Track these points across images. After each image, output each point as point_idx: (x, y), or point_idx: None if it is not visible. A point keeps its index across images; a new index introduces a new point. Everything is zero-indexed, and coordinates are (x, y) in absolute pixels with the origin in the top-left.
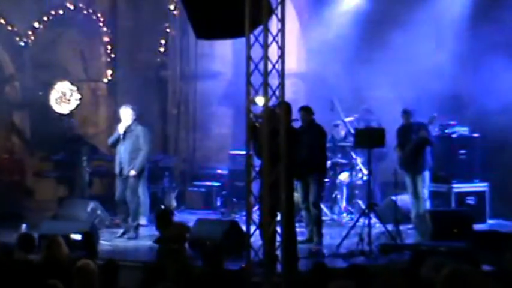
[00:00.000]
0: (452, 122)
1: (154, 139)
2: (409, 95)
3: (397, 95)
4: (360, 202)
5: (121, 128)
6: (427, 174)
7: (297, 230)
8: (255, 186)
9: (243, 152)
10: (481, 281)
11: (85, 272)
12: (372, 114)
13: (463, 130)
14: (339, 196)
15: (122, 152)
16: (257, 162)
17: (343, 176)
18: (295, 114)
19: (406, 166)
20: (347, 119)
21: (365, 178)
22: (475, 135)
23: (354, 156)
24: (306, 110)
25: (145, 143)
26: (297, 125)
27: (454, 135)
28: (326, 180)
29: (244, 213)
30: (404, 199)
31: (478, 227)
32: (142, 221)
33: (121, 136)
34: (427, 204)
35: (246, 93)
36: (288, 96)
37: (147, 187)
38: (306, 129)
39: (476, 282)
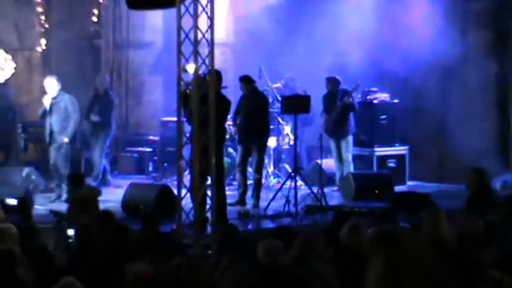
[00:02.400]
0: (374, 89)
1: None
2: (333, 64)
3: (321, 63)
4: (287, 166)
5: (46, 101)
6: (350, 138)
7: (227, 192)
8: (186, 151)
9: (174, 119)
10: (407, 236)
11: (4, 234)
12: (296, 82)
13: (384, 97)
14: (266, 160)
15: (53, 122)
16: (188, 128)
17: (271, 141)
18: (225, 81)
19: (330, 131)
20: (274, 86)
21: (292, 143)
22: (395, 101)
23: (281, 121)
24: (245, 80)
25: (74, 111)
26: (226, 91)
27: (375, 102)
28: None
29: (175, 178)
30: (329, 163)
31: (397, 188)
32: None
33: (47, 109)
34: (351, 168)
35: (178, 61)
36: (218, 65)
37: (104, 153)
38: (248, 97)
39: (404, 238)
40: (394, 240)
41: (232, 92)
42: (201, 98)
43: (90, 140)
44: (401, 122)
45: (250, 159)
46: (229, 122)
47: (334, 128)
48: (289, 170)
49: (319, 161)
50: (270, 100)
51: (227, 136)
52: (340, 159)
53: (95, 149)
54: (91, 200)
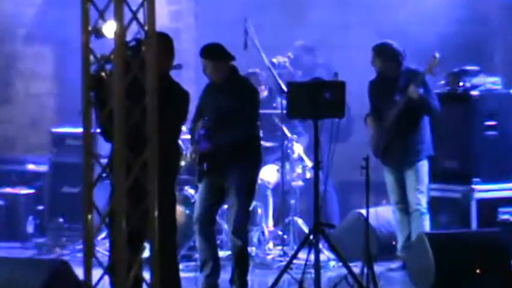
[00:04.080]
0: (471, 68)
1: None
2: (388, 25)
3: (366, 24)
4: (300, 221)
5: None
6: (424, 166)
7: (183, 274)
8: (99, 194)
9: (77, 130)
10: None
11: None
12: (318, 56)
13: (492, 82)
14: (260, 210)
15: None
16: (105, 147)
17: (269, 173)
18: (181, 56)
19: (384, 153)
20: (275, 61)
21: (308, 175)
22: None
23: (287, 133)
24: (213, 55)
25: None
26: (182, 77)
27: (475, 93)
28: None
29: (80, 246)
30: (382, 213)
31: None
32: None
33: None
34: (426, 223)
35: (82, 16)
36: (164, 24)
37: None
38: (219, 87)
39: None
40: None
41: (193, 79)
42: (131, 87)
43: None
44: None
45: (223, 207)
46: (185, 136)
47: (391, 147)
48: (305, 230)
49: (362, 211)
50: (265, 93)
51: (183, 163)
52: (404, 206)
53: None
54: None
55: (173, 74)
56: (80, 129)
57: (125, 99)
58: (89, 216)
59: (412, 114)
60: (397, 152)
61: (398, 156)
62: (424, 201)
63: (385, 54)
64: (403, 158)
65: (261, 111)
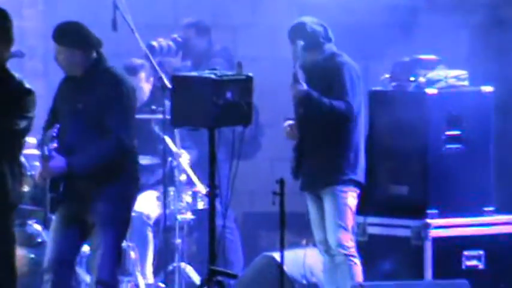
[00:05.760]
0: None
1: None
2: None
3: None
4: (189, 268)
5: None
6: (348, 191)
7: None
8: None
9: None
10: None
11: None
12: (212, 40)
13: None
14: (134, 253)
15: None
16: None
17: (147, 201)
18: (24, 39)
19: (298, 171)
20: (156, 44)
21: (201, 205)
22: (484, 89)
23: (172, 147)
24: (70, 38)
25: None
26: (23, 68)
27: (431, 92)
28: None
29: None
30: (306, 256)
31: None
32: None
33: None
34: (356, 271)
35: None
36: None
37: None
38: (78, 84)
39: None
40: None
41: (41, 71)
42: None
43: None
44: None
45: (84, 250)
46: (30, 151)
47: (304, 165)
48: (196, 281)
49: (275, 254)
50: (146, 94)
51: (26, 189)
52: (326, 244)
53: None
54: None
55: (11, 64)
56: None
57: None
58: None
59: (314, 121)
60: (308, 173)
61: (310, 179)
62: (348, 241)
63: (300, 37)
64: (315, 181)
65: (136, 115)
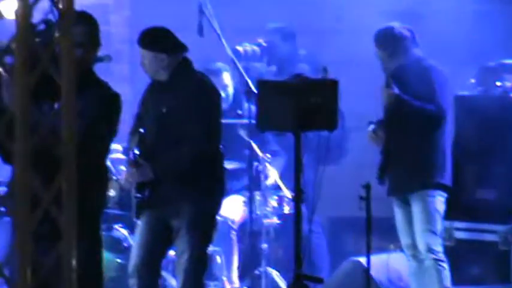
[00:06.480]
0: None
1: None
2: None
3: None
4: (275, 273)
5: None
6: (436, 195)
7: None
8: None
9: None
10: None
11: None
12: (297, 45)
13: None
14: (220, 258)
15: None
16: (1, 169)
17: (233, 206)
18: (111, 44)
19: (385, 175)
20: (241, 49)
21: (287, 210)
22: None
23: (258, 152)
24: (157, 42)
25: None
26: (110, 73)
27: None
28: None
29: None
30: (392, 262)
31: None
32: None
33: None
34: (444, 275)
35: None
36: (82, 1)
37: None
38: (163, 87)
39: None
40: None
41: (127, 75)
42: (39, 88)
43: None
44: None
45: (172, 253)
46: (116, 155)
47: (391, 170)
48: (283, 285)
49: (361, 259)
50: (229, 97)
51: (112, 193)
52: (416, 252)
53: None
54: None
55: (98, 68)
56: None
57: (30, 104)
58: None
59: (404, 125)
60: (396, 178)
61: (398, 183)
62: (437, 245)
63: (388, 42)
64: (402, 185)
65: (222, 120)
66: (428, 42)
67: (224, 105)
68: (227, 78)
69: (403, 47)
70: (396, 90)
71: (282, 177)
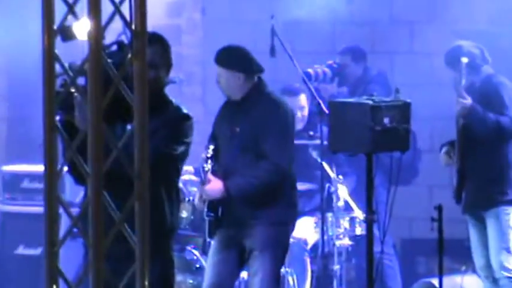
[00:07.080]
0: None
1: None
2: None
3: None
4: None
5: None
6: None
7: None
8: (68, 258)
9: (35, 168)
10: None
11: None
12: (373, 67)
13: None
14: (292, 279)
15: None
16: (74, 190)
17: (304, 228)
18: (183, 65)
19: (460, 194)
20: (311, 71)
21: (359, 231)
22: None
23: (330, 173)
24: (233, 60)
25: None
26: (182, 94)
27: None
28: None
29: None
30: (465, 284)
31: None
32: None
33: None
34: None
35: (44, 12)
36: (158, 20)
37: None
38: (236, 107)
39: None
40: None
41: (199, 96)
42: (112, 108)
43: None
44: None
45: (244, 274)
46: (188, 177)
47: (465, 188)
48: None
49: (434, 281)
50: (305, 118)
51: (185, 214)
52: (490, 272)
53: None
54: None
55: (170, 89)
56: (40, 167)
57: (102, 125)
58: None
59: (477, 138)
60: (470, 195)
61: (472, 201)
62: (511, 263)
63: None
64: (477, 203)
65: (295, 141)
66: (500, 59)
67: (299, 126)
68: (304, 99)
69: (473, 65)
70: (470, 101)
71: (351, 197)
